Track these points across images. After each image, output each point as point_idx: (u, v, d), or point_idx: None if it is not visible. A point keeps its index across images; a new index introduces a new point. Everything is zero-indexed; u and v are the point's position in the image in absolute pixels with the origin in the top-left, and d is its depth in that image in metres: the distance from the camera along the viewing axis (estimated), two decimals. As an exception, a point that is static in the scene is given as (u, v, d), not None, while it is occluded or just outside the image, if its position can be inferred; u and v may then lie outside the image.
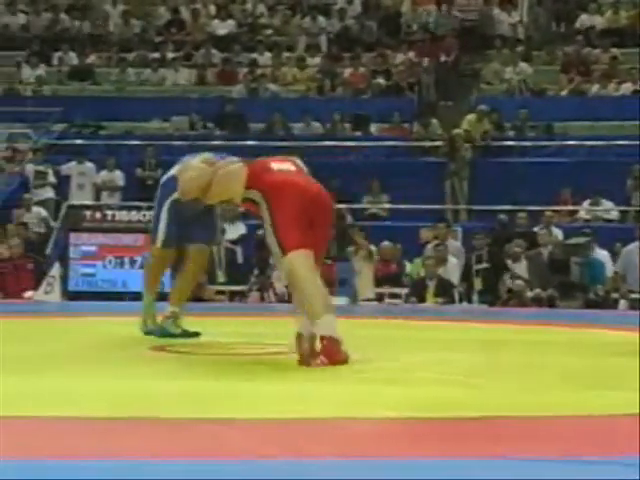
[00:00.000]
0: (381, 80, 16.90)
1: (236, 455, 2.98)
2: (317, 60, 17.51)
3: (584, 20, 17.66)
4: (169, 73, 17.41)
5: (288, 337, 5.25)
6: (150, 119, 16.01)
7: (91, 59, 17.82)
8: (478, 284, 11.58)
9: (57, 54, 17.81)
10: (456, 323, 8.48)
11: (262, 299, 11.50)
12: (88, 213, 11.73)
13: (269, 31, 18.32)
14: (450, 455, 3.03)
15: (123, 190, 14.35)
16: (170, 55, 17.71)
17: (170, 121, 15.96)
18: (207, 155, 5.90)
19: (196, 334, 6.22)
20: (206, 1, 18.92)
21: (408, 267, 12.12)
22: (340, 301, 11.21)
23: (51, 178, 14.33)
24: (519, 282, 11.50)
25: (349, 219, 13.20)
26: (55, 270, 11.03)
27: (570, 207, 13.72)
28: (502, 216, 12.84)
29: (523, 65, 16.88)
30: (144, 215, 11.64)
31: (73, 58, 17.77)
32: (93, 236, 11.42)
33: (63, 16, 18.70)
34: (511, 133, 15.44)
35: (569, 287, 11.45)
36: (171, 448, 3.09)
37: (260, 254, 11.37)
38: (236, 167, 5.42)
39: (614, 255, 12.01)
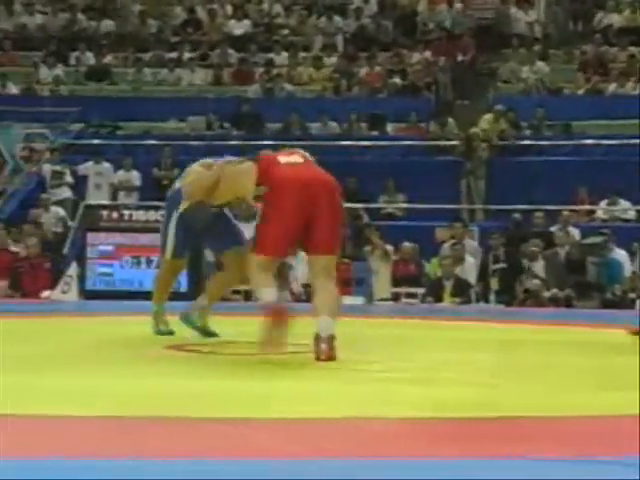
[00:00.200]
0: (397, 79, 16.88)
1: (256, 454, 2.99)
2: (333, 60, 17.50)
3: (602, 18, 17.60)
4: (185, 73, 17.44)
5: (305, 337, 5.25)
6: (167, 119, 16.03)
7: (108, 59, 17.87)
8: (495, 284, 11.55)
9: (74, 54, 17.86)
10: (473, 323, 8.46)
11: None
12: (105, 213, 11.76)
13: (285, 31, 18.32)
14: (467, 455, 3.02)
15: (140, 190, 14.38)
16: (186, 55, 17.74)
17: (187, 121, 15.98)
18: (205, 160, 5.96)
19: (214, 334, 6.25)
20: (222, 1, 18.93)
21: (427, 267, 12.09)
22: (356, 301, 11.22)
23: (68, 178, 14.37)
24: (536, 282, 11.46)
25: (365, 219, 13.19)
26: (72, 270, 11.07)
27: (587, 207, 13.67)
28: (516, 215, 12.81)
29: (540, 64, 16.83)
30: (161, 215, 11.65)
31: (90, 58, 17.82)
32: (110, 236, 11.45)
33: (80, 16, 18.76)
34: (528, 132, 15.39)
35: (586, 287, 11.42)
36: (186, 447, 3.09)
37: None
38: (246, 165, 5.46)
39: (632, 255, 11.96)
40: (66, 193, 14.24)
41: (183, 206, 6.11)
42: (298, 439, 3.27)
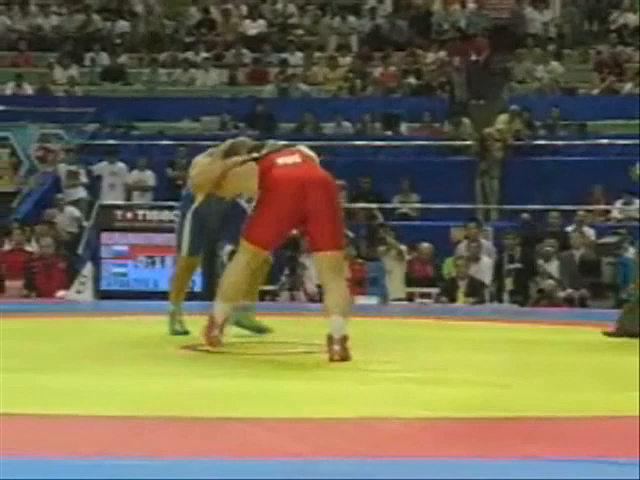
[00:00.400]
0: (412, 79, 16.86)
1: (268, 454, 2.99)
2: (348, 60, 17.49)
3: (617, 18, 17.53)
4: (200, 73, 17.46)
5: (319, 337, 5.25)
6: (181, 119, 16.06)
7: (123, 59, 17.92)
8: (509, 284, 11.53)
9: (89, 55, 17.91)
10: (487, 323, 8.44)
11: (293, 299, 11.51)
12: (119, 213, 11.79)
13: (300, 31, 18.33)
14: (481, 455, 3.02)
15: (154, 190, 14.40)
16: (201, 55, 17.77)
17: (201, 121, 16.00)
18: (211, 149, 5.98)
19: (267, 330, 6.29)
20: (237, 1, 18.96)
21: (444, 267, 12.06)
22: (371, 300, 11.22)
23: (83, 178, 14.40)
24: (550, 282, 11.44)
25: (380, 219, 13.19)
26: (87, 270, 11.10)
27: (602, 206, 13.62)
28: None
29: (555, 64, 16.79)
30: (175, 215, 11.67)
31: (105, 59, 17.87)
32: (124, 236, 11.48)
33: (95, 17, 18.81)
34: (543, 132, 15.35)
35: (601, 287, 11.38)
36: (199, 447, 3.10)
37: (291, 253, 11.38)
38: (249, 167, 5.50)
39: (647, 255, 11.90)
40: (81, 193, 14.27)
41: (198, 200, 6.15)
42: (311, 439, 3.27)
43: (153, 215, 11.70)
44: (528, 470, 2.84)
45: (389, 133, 15.69)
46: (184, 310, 6.58)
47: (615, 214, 13.65)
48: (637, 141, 14.00)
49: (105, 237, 11.56)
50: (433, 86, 16.67)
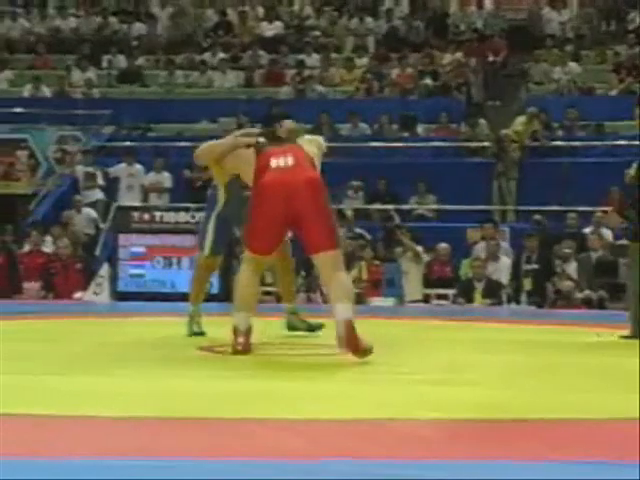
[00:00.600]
0: (428, 81, 16.84)
1: (281, 455, 2.99)
2: (364, 61, 17.49)
3: (635, 18, 17.46)
4: (217, 75, 17.50)
5: (333, 338, 5.25)
6: (198, 121, 16.09)
7: (140, 62, 17.97)
8: (528, 284, 11.49)
9: (106, 57, 17.97)
10: (504, 324, 8.42)
11: (309, 300, 11.51)
12: (137, 214, 11.81)
13: (316, 32, 18.34)
14: (493, 457, 3.01)
15: (171, 191, 14.43)
16: (218, 57, 17.80)
17: (218, 123, 16.03)
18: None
19: (320, 326, 6.33)
20: (253, 3, 18.98)
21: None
22: (387, 302, 11.21)
23: (100, 180, 14.45)
24: (568, 283, 11.40)
25: (396, 220, 13.17)
26: (104, 271, 11.13)
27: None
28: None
29: (572, 65, 16.73)
30: (192, 216, 11.70)
31: (122, 61, 17.92)
32: (142, 237, 11.51)
33: (112, 19, 18.88)
34: (560, 133, 15.31)
35: (618, 288, 11.33)
36: (213, 448, 3.10)
37: (307, 255, 11.37)
38: (250, 154, 5.60)
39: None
40: (98, 195, 14.32)
41: (220, 202, 6.23)
42: (324, 440, 3.27)
43: (170, 216, 11.72)
44: (539, 472, 2.84)
45: (406, 134, 15.67)
46: (202, 311, 6.60)
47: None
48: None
49: (122, 238, 11.59)
50: (450, 87, 16.64)
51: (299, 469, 2.83)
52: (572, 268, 11.65)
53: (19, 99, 16.54)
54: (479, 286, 11.31)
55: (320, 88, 16.89)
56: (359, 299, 11.23)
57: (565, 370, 5.17)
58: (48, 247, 12.35)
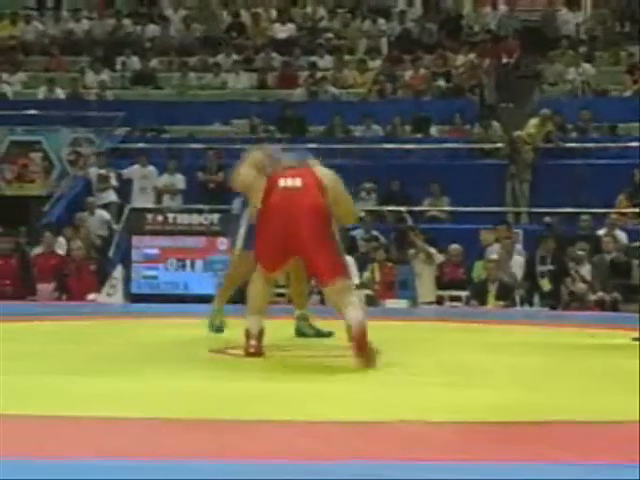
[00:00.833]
0: (442, 82, 16.83)
1: (296, 457, 2.99)
2: (377, 63, 17.49)
3: (649, 19, 17.41)
4: (230, 77, 17.52)
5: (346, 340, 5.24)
6: (211, 123, 16.12)
7: (153, 64, 18.01)
8: (545, 285, 11.46)
9: (120, 59, 18.02)
10: (517, 326, 8.41)
11: (322, 302, 11.50)
12: (150, 216, 11.84)
13: (329, 34, 18.34)
14: (506, 459, 3.01)
15: (184, 193, 14.46)
16: (231, 59, 17.82)
17: (231, 125, 16.05)
18: (260, 153, 5.91)
19: (329, 334, 6.35)
20: (267, 5, 19.00)
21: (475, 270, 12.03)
22: (400, 304, 11.20)
23: (113, 182, 14.48)
24: (581, 285, 11.37)
25: (409, 222, 13.16)
26: (118, 272, 11.15)
27: (633, 209, 13.51)
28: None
29: (586, 66, 16.69)
30: (205, 218, 11.73)
31: (135, 63, 17.97)
32: (155, 239, 11.53)
33: (126, 21, 18.93)
34: (574, 134, 15.27)
35: (632, 290, 11.29)
36: (229, 449, 3.10)
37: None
38: (259, 183, 5.55)
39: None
40: (111, 197, 14.35)
41: (252, 204, 6.22)
42: (339, 442, 3.27)
43: (183, 218, 11.75)
44: (552, 474, 2.83)
45: (419, 136, 15.67)
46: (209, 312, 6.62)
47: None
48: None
49: (136, 240, 11.62)
50: (463, 89, 16.62)
51: (312, 470, 2.83)
52: (586, 270, 11.62)
53: (33, 101, 16.61)
54: (492, 288, 11.29)
55: (333, 90, 16.89)
56: (372, 301, 11.25)
57: (578, 372, 5.16)
58: (61, 249, 12.38)
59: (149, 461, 2.91)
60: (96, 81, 17.39)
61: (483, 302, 11.26)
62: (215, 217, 11.71)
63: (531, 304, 11.48)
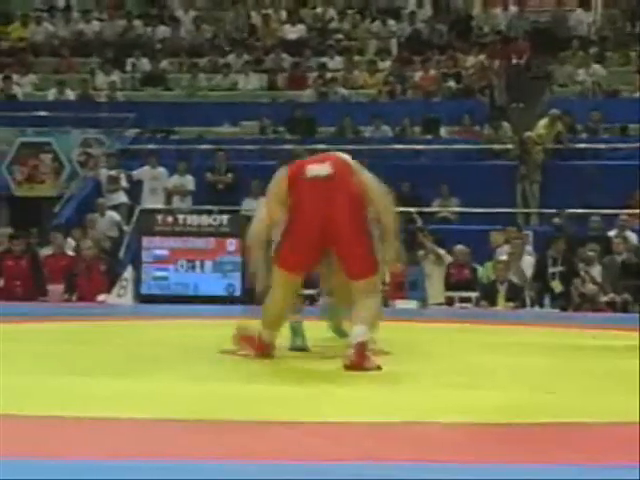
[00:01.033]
0: (452, 83, 16.82)
1: (311, 458, 2.99)
2: (387, 64, 17.49)
3: (659, 20, 17.38)
4: (240, 78, 17.54)
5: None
6: (221, 124, 16.13)
7: (163, 65, 18.04)
8: (556, 286, 11.44)
9: (130, 60, 18.05)
10: (527, 327, 8.39)
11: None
12: (160, 217, 11.85)
13: (339, 35, 18.35)
14: (516, 461, 3.00)
15: (194, 194, 14.47)
16: (241, 60, 17.83)
17: (240, 126, 16.07)
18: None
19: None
20: (277, 6, 19.01)
21: (480, 271, 12.02)
22: (410, 305, 11.19)
23: (124, 183, 14.51)
24: (591, 286, 11.35)
25: (419, 223, 13.15)
26: (128, 273, 11.17)
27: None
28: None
29: (596, 66, 16.66)
30: (214, 219, 11.74)
31: (146, 64, 18.00)
32: (165, 240, 11.54)
33: (136, 23, 18.96)
34: (584, 135, 15.24)
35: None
36: (243, 451, 3.10)
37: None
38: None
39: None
40: (122, 198, 14.38)
41: None
42: (348, 443, 3.27)
43: (193, 219, 11.76)
44: (563, 475, 2.83)
45: (429, 137, 15.66)
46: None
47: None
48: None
49: (146, 241, 11.63)
50: (473, 89, 16.61)
51: (321, 470, 2.83)
52: (596, 271, 11.59)
53: (43, 102, 16.65)
54: (502, 289, 11.28)
55: (343, 91, 16.89)
56: (382, 302, 11.23)
57: (591, 374, 5.15)
58: (71, 250, 12.41)
59: (152, 461, 2.91)
60: (106, 82, 17.43)
61: (493, 303, 11.25)
62: (224, 218, 11.73)
63: (541, 305, 11.46)
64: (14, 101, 17.10)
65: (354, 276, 5.20)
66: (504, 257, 11.70)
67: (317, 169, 5.25)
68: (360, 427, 3.55)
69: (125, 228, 13.71)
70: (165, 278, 11.46)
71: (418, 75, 17.01)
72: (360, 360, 4.94)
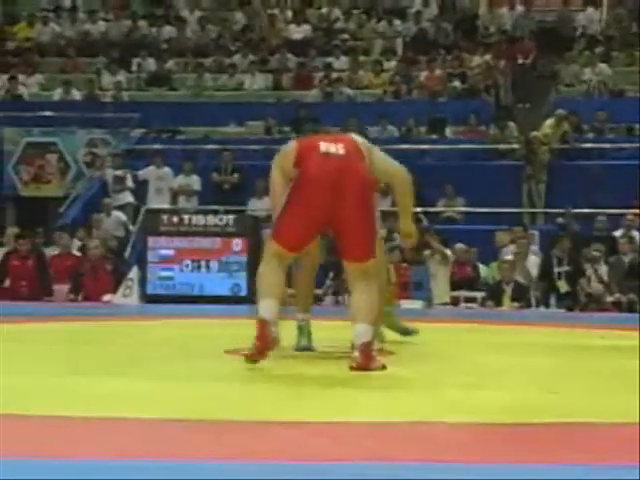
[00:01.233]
0: (457, 83, 16.81)
1: (314, 458, 2.99)
2: (393, 63, 17.48)
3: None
4: (245, 78, 17.54)
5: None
6: (226, 124, 16.14)
7: (169, 65, 18.05)
8: (562, 286, 11.42)
9: (136, 60, 18.07)
10: (533, 327, 8.39)
11: (337, 303, 11.50)
12: (165, 217, 11.86)
13: (345, 35, 18.35)
14: (523, 461, 3.00)
15: (199, 194, 14.48)
16: (246, 60, 17.84)
17: (246, 126, 16.07)
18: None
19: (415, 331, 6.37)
20: (282, 6, 19.01)
21: (483, 270, 12.02)
22: (415, 304, 11.19)
23: (129, 183, 14.53)
24: (597, 286, 11.33)
25: (424, 222, 13.14)
26: (133, 273, 11.18)
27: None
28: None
29: (602, 66, 16.64)
30: (220, 219, 11.74)
31: (151, 64, 18.02)
32: (170, 240, 11.55)
33: (142, 23, 18.98)
34: (590, 135, 15.22)
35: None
36: (245, 451, 3.10)
37: (335, 257, 11.36)
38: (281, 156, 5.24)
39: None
40: (127, 198, 14.40)
41: None
42: (353, 443, 3.27)
43: (199, 219, 11.76)
44: (569, 475, 2.82)
45: (434, 137, 15.65)
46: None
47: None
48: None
49: (151, 241, 11.64)
50: (479, 89, 16.60)
51: (326, 471, 2.83)
52: (602, 271, 11.58)
53: (49, 102, 16.68)
54: (508, 289, 11.27)
55: (348, 91, 16.89)
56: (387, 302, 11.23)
57: (597, 374, 5.14)
58: (77, 250, 12.42)
59: (152, 461, 2.91)
60: (112, 82, 17.45)
61: (498, 303, 11.24)
62: (230, 218, 11.73)
63: (547, 305, 11.45)
64: (20, 101, 17.13)
65: (350, 256, 5.05)
66: (510, 257, 11.69)
67: (331, 147, 5.12)
68: (364, 427, 3.54)
69: (131, 228, 13.73)
70: (171, 278, 11.46)
71: (424, 75, 17.01)
72: (366, 362, 4.90)
